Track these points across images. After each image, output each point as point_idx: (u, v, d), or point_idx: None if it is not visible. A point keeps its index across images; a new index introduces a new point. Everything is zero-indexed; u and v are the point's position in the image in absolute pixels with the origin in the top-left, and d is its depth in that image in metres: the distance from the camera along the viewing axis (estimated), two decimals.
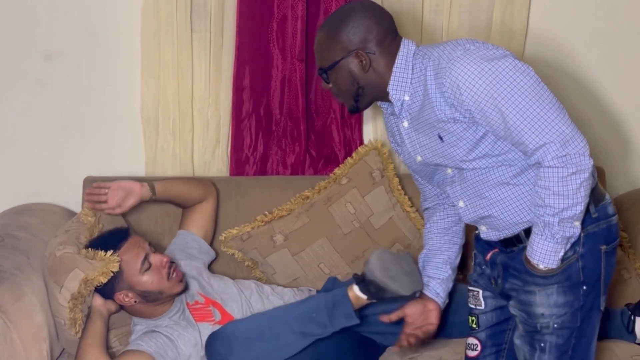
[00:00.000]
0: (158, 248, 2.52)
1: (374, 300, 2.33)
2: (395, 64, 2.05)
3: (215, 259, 2.72)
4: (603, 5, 2.94)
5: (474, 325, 2.22)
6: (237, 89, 2.82)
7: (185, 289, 2.45)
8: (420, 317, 2.30)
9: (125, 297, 2.35)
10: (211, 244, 2.69)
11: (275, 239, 2.68)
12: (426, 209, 2.40)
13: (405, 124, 2.12)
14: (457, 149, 2.03)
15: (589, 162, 1.88)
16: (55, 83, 2.81)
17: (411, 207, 2.76)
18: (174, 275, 2.38)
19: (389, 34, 2.07)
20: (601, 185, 2.08)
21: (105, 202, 2.46)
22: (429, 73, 2.00)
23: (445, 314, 2.36)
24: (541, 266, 1.97)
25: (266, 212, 2.71)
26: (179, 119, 2.81)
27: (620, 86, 3.02)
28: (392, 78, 2.06)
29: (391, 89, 2.07)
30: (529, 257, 1.99)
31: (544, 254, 1.95)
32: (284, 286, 2.65)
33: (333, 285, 2.58)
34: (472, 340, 2.23)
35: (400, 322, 2.32)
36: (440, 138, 2.04)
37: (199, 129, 2.84)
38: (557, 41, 2.93)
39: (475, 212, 2.11)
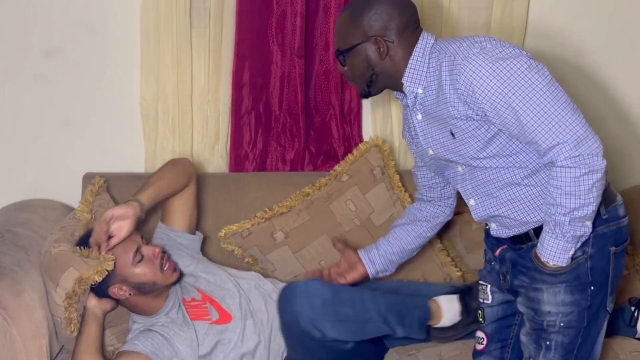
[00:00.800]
0: (148, 240, 2.49)
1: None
2: (412, 55, 2.06)
3: (208, 244, 2.69)
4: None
5: (481, 319, 2.23)
6: (237, 86, 2.81)
7: (180, 277, 2.44)
8: (349, 268, 2.49)
9: (119, 290, 2.34)
10: (198, 228, 2.66)
11: (276, 236, 2.68)
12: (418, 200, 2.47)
13: (419, 116, 2.12)
14: (468, 146, 2.03)
15: (602, 162, 1.87)
16: (54, 79, 2.80)
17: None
18: (166, 266, 2.38)
19: (410, 24, 2.08)
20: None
21: (113, 236, 2.33)
22: (444, 68, 2.00)
23: None
24: (551, 264, 1.96)
25: (266, 209, 2.70)
26: (178, 115, 2.80)
27: (622, 80, 3.02)
28: (407, 70, 2.07)
29: (405, 81, 2.08)
30: (538, 255, 1.98)
31: (554, 252, 1.94)
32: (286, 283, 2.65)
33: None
34: (479, 334, 2.24)
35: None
36: (452, 134, 2.04)
37: (199, 125, 2.84)
38: (557, 37, 2.93)
39: (485, 211, 2.11)
